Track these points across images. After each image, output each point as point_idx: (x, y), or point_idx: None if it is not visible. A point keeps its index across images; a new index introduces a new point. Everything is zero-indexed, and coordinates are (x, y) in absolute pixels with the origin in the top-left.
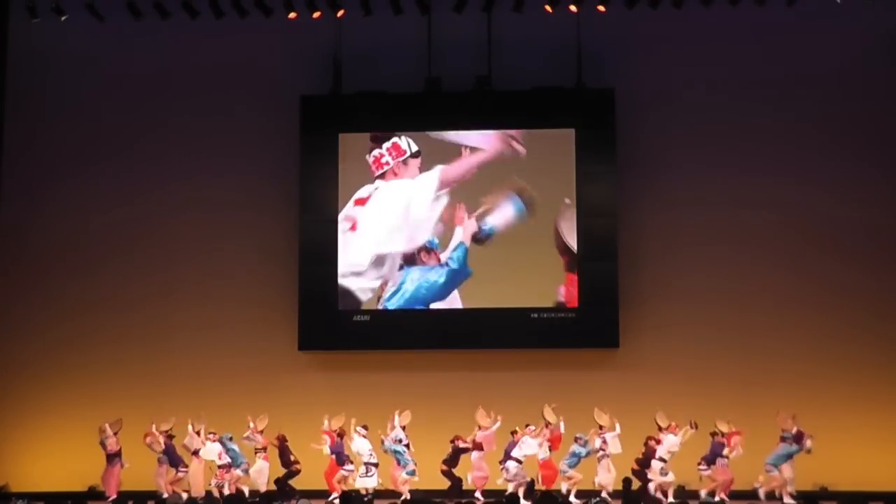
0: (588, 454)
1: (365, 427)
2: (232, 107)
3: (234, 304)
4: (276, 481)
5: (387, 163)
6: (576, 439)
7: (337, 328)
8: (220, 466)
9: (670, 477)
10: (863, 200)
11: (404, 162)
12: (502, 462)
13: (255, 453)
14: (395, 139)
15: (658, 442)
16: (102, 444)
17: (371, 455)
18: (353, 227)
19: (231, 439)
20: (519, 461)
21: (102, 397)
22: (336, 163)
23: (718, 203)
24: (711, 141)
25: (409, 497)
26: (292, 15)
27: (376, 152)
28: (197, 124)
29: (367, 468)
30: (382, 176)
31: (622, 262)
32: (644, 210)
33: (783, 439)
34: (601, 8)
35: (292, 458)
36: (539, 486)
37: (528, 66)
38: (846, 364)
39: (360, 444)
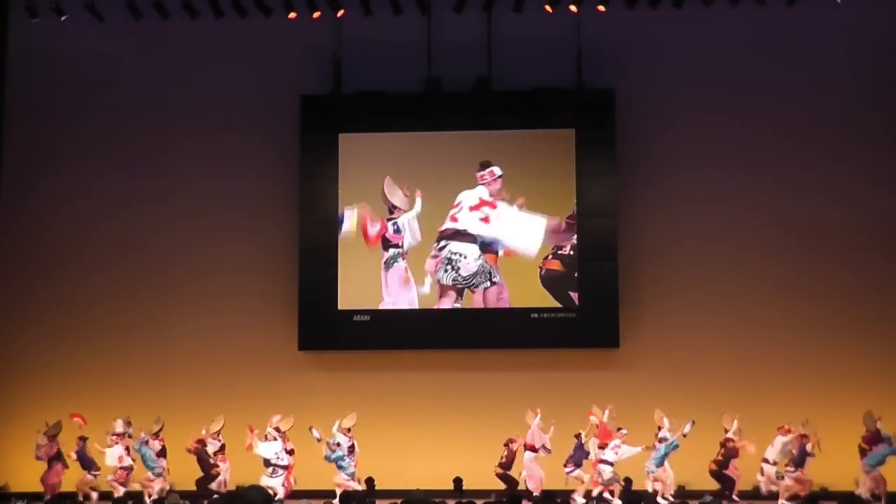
0: (674, 448)
1: (278, 429)
2: (232, 107)
3: (235, 304)
4: (197, 482)
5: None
6: (660, 440)
7: (337, 328)
8: (120, 468)
9: (787, 481)
10: (863, 201)
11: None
12: (566, 464)
13: (215, 455)
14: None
15: (731, 441)
16: (41, 448)
17: (279, 457)
18: None
19: (147, 443)
20: (611, 464)
21: (102, 397)
22: (336, 163)
23: (718, 203)
24: (711, 141)
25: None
26: (292, 15)
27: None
28: (197, 124)
29: (273, 469)
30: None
31: (622, 262)
32: (644, 210)
33: (882, 441)
34: (601, 8)
35: (211, 461)
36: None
37: (528, 66)
38: (846, 364)
39: (268, 446)
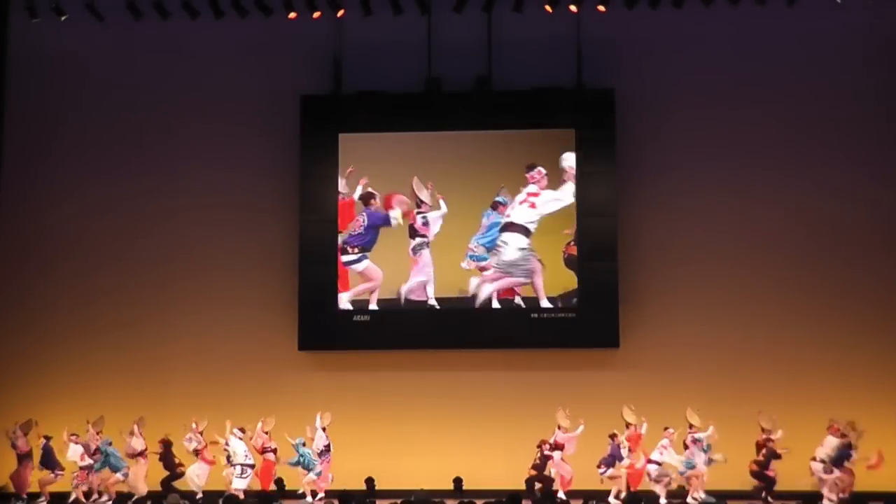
0: (709, 448)
1: (242, 429)
2: (232, 107)
3: (234, 303)
4: (162, 482)
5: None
6: (694, 441)
7: (337, 328)
8: (80, 468)
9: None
10: (864, 199)
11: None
12: (600, 465)
13: (196, 455)
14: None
15: (771, 441)
16: (13, 446)
17: (247, 457)
18: None
19: (111, 444)
20: (659, 463)
21: (102, 397)
22: (336, 163)
23: (718, 203)
24: (711, 141)
25: (310, 498)
26: (292, 15)
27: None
28: (197, 124)
29: (242, 469)
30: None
31: (622, 262)
32: (644, 210)
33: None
34: (601, 8)
35: (176, 461)
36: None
37: (528, 66)
38: (847, 363)
39: (235, 446)
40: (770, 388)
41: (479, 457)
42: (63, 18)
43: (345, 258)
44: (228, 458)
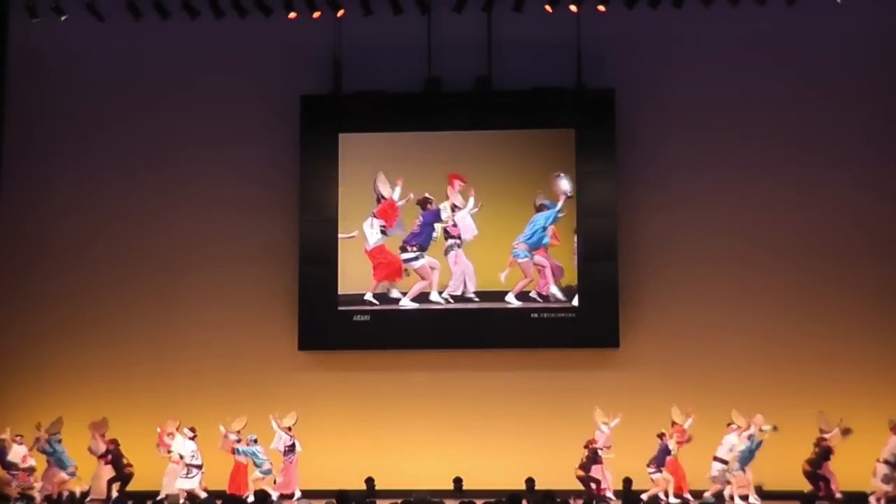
0: (759, 447)
1: (192, 429)
2: (232, 106)
3: (234, 303)
4: (109, 482)
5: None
6: (748, 438)
7: (337, 328)
8: (21, 469)
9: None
10: (862, 201)
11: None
12: (650, 464)
13: (99, 459)
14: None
15: (825, 441)
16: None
17: (194, 457)
18: None
19: (60, 442)
20: (724, 462)
21: (102, 397)
22: (336, 163)
23: (718, 203)
24: (711, 141)
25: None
26: (292, 15)
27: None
28: (197, 124)
29: (188, 469)
30: None
31: (622, 262)
32: (644, 210)
33: None
34: (601, 8)
35: (125, 461)
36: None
37: (528, 66)
38: (846, 363)
39: (183, 445)
40: (769, 388)
41: (479, 457)
42: (63, 18)
43: (404, 256)
44: (180, 457)
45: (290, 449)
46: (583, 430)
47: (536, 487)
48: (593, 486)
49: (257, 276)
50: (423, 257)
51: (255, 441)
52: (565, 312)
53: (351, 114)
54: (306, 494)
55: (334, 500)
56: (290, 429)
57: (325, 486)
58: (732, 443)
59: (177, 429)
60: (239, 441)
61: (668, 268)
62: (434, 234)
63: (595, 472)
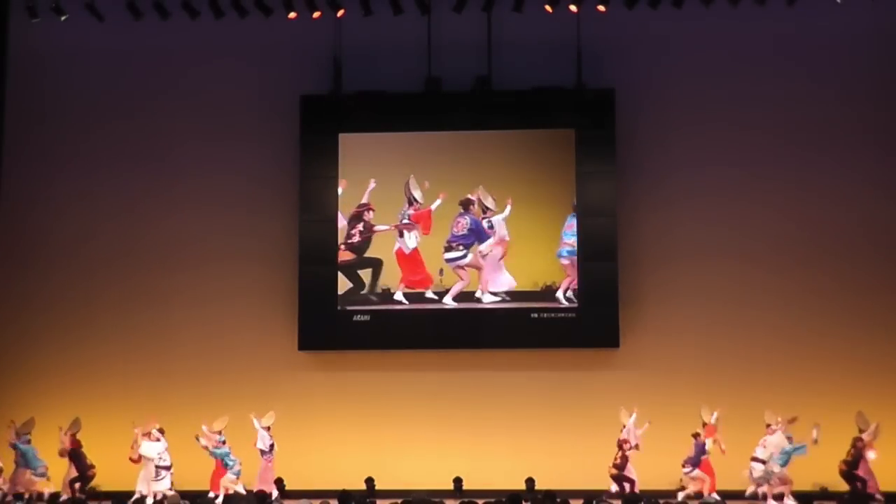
0: (800, 452)
1: (161, 430)
2: (232, 107)
3: (234, 303)
4: (70, 482)
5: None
6: (788, 438)
7: (337, 328)
8: None
9: None
10: (863, 199)
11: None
12: (686, 464)
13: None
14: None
15: (861, 442)
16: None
17: (161, 458)
18: None
19: (29, 442)
20: (764, 462)
21: (102, 397)
22: (336, 163)
23: (718, 203)
24: (711, 141)
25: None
26: (292, 15)
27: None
28: (197, 124)
29: (157, 471)
30: None
31: (622, 262)
32: (644, 210)
33: None
34: (601, 8)
35: (87, 462)
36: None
37: (528, 66)
38: (846, 363)
39: (150, 447)
40: (770, 388)
41: (479, 457)
42: (63, 18)
43: (447, 255)
44: (149, 459)
45: (270, 449)
46: (583, 430)
47: (536, 487)
48: (627, 485)
49: (257, 276)
50: (467, 257)
51: (224, 442)
52: (565, 312)
53: (351, 114)
54: (307, 494)
55: (335, 501)
56: (268, 428)
57: (326, 486)
58: (779, 444)
59: (146, 431)
60: (225, 442)
61: (669, 267)
62: (489, 235)
63: (629, 471)
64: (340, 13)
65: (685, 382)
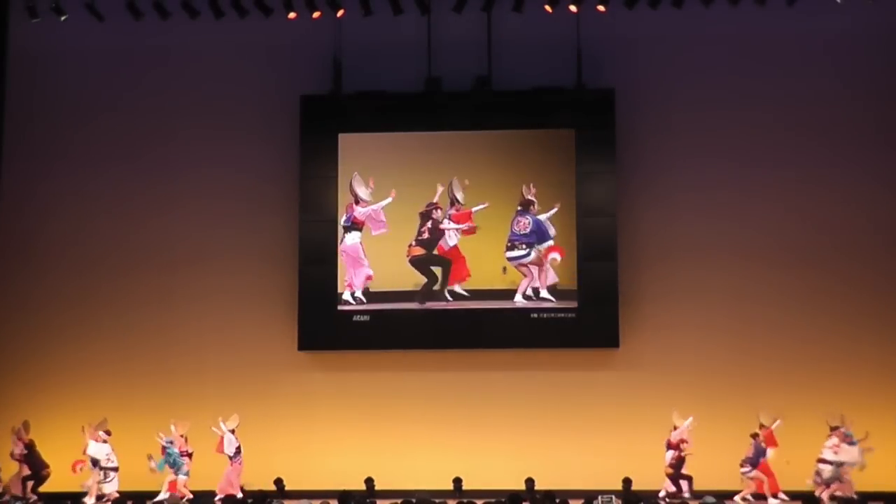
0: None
1: (108, 432)
2: (232, 107)
3: (234, 303)
4: (23, 480)
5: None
6: (845, 437)
7: (337, 328)
8: None
9: None
10: (864, 199)
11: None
12: (743, 464)
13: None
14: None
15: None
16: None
17: (109, 459)
18: None
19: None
20: (831, 463)
21: (102, 397)
22: (336, 163)
23: (718, 203)
24: (711, 141)
25: (191, 496)
26: (292, 15)
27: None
28: (197, 124)
29: (105, 473)
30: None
31: (622, 262)
32: (644, 210)
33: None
34: (601, 8)
35: (42, 462)
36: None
37: (528, 66)
38: (847, 363)
39: (97, 449)
40: (770, 388)
41: (479, 457)
42: (63, 18)
43: (510, 254)
44: (95, 463)
45: (237, 452)
46: (582, 430)
47: (536, 487)
48: (683, 483)
49: (257, 276)
50: (531, 255)
51: (172, 443)
52: (565, 312)
53: (351, 114)
54: (307, 494)
55: (335, 501)
56: (233, 431)
57: (326, 486)
58: (854, 459)
59: (88, 431)
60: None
61: (669, 267)
62: (550, 233)
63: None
64: (340, 13)
65: (685, 382)
